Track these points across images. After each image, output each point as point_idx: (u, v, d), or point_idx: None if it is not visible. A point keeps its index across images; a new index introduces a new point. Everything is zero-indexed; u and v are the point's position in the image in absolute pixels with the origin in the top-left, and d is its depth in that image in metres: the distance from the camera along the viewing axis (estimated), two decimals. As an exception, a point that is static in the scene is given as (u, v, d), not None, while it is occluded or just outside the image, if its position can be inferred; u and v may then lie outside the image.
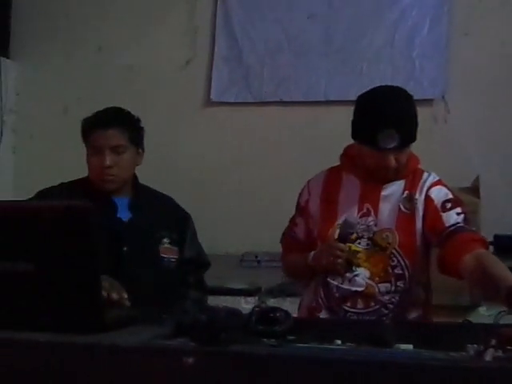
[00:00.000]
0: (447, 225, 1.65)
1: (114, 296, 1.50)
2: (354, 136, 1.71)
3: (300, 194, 1.84)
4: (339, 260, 1.63)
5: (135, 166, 1.91)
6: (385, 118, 1.63)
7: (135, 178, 1.94)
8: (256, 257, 3.12)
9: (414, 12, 3.32)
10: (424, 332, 1.19)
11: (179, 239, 1.90)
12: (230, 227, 3.20)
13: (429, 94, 3.22)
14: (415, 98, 3.15)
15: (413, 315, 1.71)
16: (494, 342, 0.96)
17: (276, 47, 3.41)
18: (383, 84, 3.41)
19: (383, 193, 1.72)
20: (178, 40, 3.48)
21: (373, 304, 1.66)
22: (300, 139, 3.31)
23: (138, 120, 1.90)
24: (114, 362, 1.02)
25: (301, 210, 1.82)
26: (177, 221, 1.92)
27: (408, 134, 1.65)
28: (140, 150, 1.91)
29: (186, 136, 3.41)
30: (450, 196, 1.70)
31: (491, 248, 2.17)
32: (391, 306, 1.67)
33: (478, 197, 2.53)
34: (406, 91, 1.72)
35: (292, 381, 0.94)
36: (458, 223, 1.64)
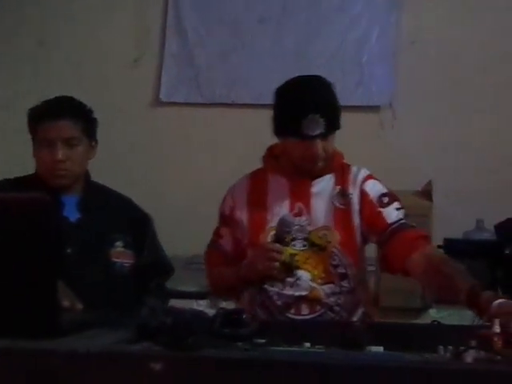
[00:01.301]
0: (389, 222, 1.60)
1: (66, 303, 1.41)
2: (276, 131, 1.65)
3: (223, 203, 1.75)
4: (276, 263, 1.53)
5: (88, 160, 1.81)
6: (307, 103, 1.58)
7: (87, 174, 1.84)
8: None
9: (364, 20, 3.38)
10: (393, 333, 1.18)
11: (135, 243, 1.80)
12: (178, 229, 3.13)
13: (376, 100, 3.28)
14: (363, 104, 3.29)
15: (357, 316, 1.64)
16: (473, 343, 0.96)
17: (228, 49, 3.39)
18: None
19: (313, 190, 1.66)
20: (127, 37, 3.39)
21: (318, 308, 1.59)
22: (251, 142, 3.28)
23: (91, 110, 1.80)
24: (73, 369, 0.96)
25: (225, 219, 1.72)
26: (133, 223, 1.82)
27: (332, 120, 1.60)
28: (93, 143, 1.81)
29: (134, 136, 3.32)
30: (385, 190, 1.66)
31: (441, 251, 2.21)
32: (337, 308, 1.61)
33: (431, 200, 2.58)
34: (325, 79, 1.68)
35: (267, 385, 0.90)
36: (401, 219, 1.61)
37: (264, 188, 1.69)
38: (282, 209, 1.64)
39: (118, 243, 1.78)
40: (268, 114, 3.25)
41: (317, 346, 1.14)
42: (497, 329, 0.98)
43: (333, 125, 1.60)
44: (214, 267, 1.75)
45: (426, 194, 2.62)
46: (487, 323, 1.04)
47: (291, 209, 1.64)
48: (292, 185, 1.66)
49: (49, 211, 1.04)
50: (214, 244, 1.76)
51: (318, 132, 1.57)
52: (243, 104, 3.32)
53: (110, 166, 3.09)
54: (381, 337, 1.15)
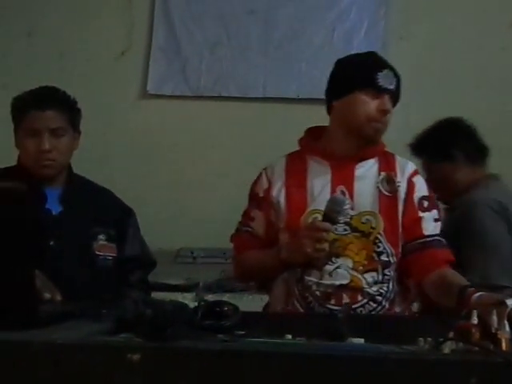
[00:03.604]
0: (426, 233, 1.57)
1: (46, 295, 1.40)
2: (344, 88, 1.58)
3: (255, 184, 1.65)
4: (326, 245, 1.43)
5: (72, 150, 1.80)
6: (383, 61, 1.61)
7: (69, 167, 1.84)
8: (192, 253, 3.06)
9: (352, 14, 3.37)
10: (375, 325, 1.18)
11: (118, 236, 1.79)
12: (165, 222, 3.13)
13: (364, 94, 3.28)
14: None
15: (398, 307, 1.58)
16: (451, 334, 0.96)
17: (215, 41, 3.37)
18: (322, 83, 3.39)
19: (356, 173, 1.59)
20: (115, 29, 3.37)
21: (360, 298, 1.51)
22: (237, 135, 3.29)
23: (75, 101, 1.80)
24: (51, 360, 0.95)
25: (259, 201, 1.62)
26: (115, 216, 1.81)
27: (399, 87, 1.59)
28: (77, 134, 1.81)
29: (121, 129, 3.31)
30: (428, 193, 1.62)
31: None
32: (380, 298, 1.53)
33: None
34: None
35: (245, 376, 0.90)
36: (437, 235, 1.58)
37: (303, 170, 1.61)
38: (322, 191, 1.57)
39: (101, 236, 1.78)
40: (254, 107, 3.31)
41: (298, 338, 1.14)
42: (474, 320, 0.99)
43: (398, 95, 1.60)
44: (243, 251, 1.65)
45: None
46: (466, 315, 1.04)
47: (333, 192, 1.57)
48: (333, 167, 1.59)
49: (27, 201, 1.02)
50: (243, 227, 1.65)
51: (392, 86, 1.55)
52: (230, 97, 3.31)
53: (97, 158, 3.08)
54: (362, 329, 1.15)
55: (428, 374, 0.85)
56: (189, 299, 2.55)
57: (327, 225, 1.45)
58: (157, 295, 2.07)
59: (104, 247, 1.78)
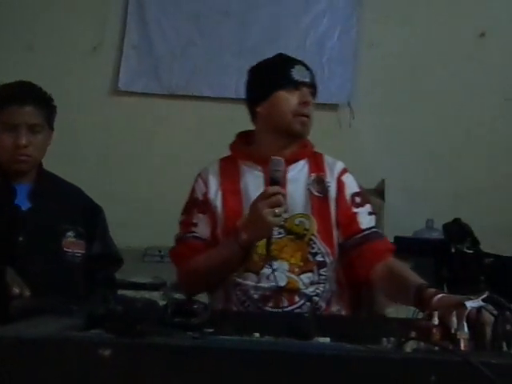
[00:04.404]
0: (362, 227, 1.59)
1: (15, 290, 1.40)
2: (263, 92, 1.61)
3: (193, 191, 1.65)
4: (282, 208, 1.44)
5: (47, 147, 1.79)
6: (291, 58, 1.64)
7: (40, 163, 1.83)
8: (159, 251, 3.06)
9: (326, 19, 3.43)
10: (340, 325, 1.21)
11: (86, 233, 1.79)
12: (134, 221, 3.12)
13: (335, 99, 3.33)
14: (322, 101, 3.34)
15: (335, 306, 1.60)
16: (413, 334, 1.00)
17: (188, 40, 3.39)
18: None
19: (288, 176, 1.59)
20: (87, 23, 3.36)
21: (297, 299, 1.54)
22: (208, 135, 3.30)
23: (52, 98, 1.79)
24: (20, 355, 0.95)
25: (200, 204, 1.62)
26: (84, 214, 1.81)
27: (314, 79, 1.63)
28: (51, 131, 1.80)
29: (92, 125, 3.29)
30: (359, 189, 1.65)
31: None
32: (317, 298, 1.56)
33: (383, 199, 2.64)
34: None
35: (214, 372, 0.92)
36: (373, 227, 1.61)
37: (236, 174, 1.63)
38: (256, 195, 1.54)
39: (70, 233, 1.77)
40: (226, 108, 3.33)
41: (266, 336, 1.16)
42: (435, 321, 1.03)
43: (315, 88, 1.63)
44: (191, 256, 1.59)
45: (379, 192, 2.68)
46: (428, 316, 1.08)
47: None
48: (266, 171, 1.58)
49: None
50: (186, 235, 1.62)
51: (307, 79, 1.60)
52: (202, 96, 3.32)
53: (66, 154, 3.05)
54: (328, 328, 1.18)
55: (390, 371, 0.89)
56: (156, 298, 2.55)
57: (277, 187, 1.47)
58: (124, 293, 2.07)
59: (72, 244, 1.77)
